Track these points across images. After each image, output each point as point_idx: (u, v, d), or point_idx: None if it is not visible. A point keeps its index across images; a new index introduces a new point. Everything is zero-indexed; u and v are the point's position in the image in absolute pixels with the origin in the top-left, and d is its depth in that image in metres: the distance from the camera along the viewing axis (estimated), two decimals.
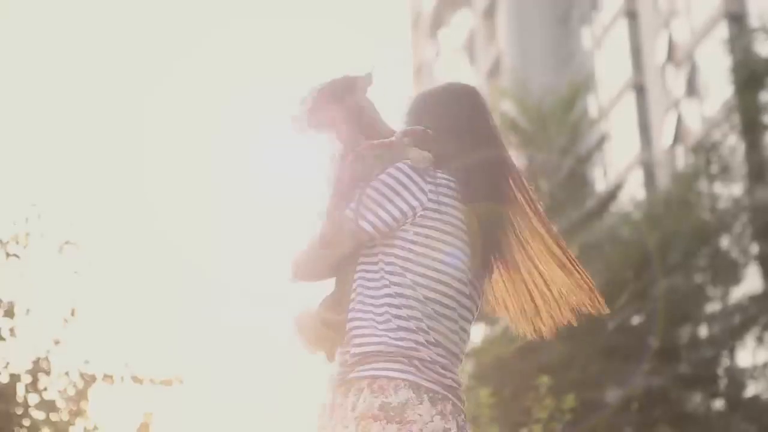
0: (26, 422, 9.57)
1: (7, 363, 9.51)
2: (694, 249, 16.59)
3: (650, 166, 26.67)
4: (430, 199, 2.59)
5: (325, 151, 2.82)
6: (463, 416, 2.58)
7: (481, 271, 2.70)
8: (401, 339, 2.52)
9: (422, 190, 2.60)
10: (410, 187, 2.60)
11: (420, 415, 2.47)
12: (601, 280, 16.00)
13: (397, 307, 2.55)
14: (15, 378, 9.45)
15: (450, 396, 2.55)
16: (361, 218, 2.60)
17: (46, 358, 9.78)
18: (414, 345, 2.52)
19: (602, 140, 20.89)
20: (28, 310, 9.47)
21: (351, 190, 2.66)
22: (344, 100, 2.79)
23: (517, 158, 19.41)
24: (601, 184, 26.25)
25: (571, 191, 18.19)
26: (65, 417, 10.07)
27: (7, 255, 9.28)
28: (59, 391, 9.97)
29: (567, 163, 18.33)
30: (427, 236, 2.59)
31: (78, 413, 10.26)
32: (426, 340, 2.54)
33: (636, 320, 16.88)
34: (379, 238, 2.61)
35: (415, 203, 2.59)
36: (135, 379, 9.94)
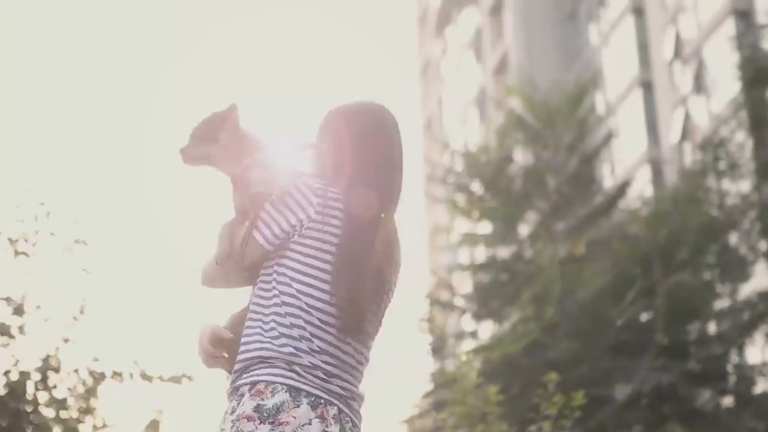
0: (36, 419, 9.60)
1: (17, 361, 9.54)
2: (702, 246, 16.55)
3: (658, 163, 26.63)
4: (317, 212, 2.68)
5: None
6: (351, 424, 2.65)
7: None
8: (283, 345, 2.61)
9: (311, 203, 2.70)
10: (299, 201, 2.70)
11: (294, 417, 2.54)
12: (609, 277, 16.10)
13: (282, 315, 2.64)
14: (25, 376, 9.48)
15: (335, 401, 2.61)
16: (256, 232, 2.72)
17: (56, 356, 9.81)
18: (294, 351, 2.61)
19: (609, 137, 20.84)
20: (38, 307, 9.50)
21: (241, 215, 2.82)
22: (218, 139, 2.89)
23: (524, 156, 19.42)
24: (608, 181, 26.22)
25: (578, 188, 18.18)
26: (75, 414, 10.10)
27: (16, 253, 9.31)
28: (69, 389, 10.00)
29: (574, 160, 18.32)
30: (312, 247, 2.68)
31: (87, 411, 10.28)
32: (309, 348, 2.62)
33: (644, 317, 16.85)
34: (272, 250, 2.72)
35: (302, 216, 2.69)
36: (144, 376, 9.98)
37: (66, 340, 9.90)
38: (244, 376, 2.64)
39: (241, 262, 2.76)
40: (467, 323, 20.38)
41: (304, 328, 2.63)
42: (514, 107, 19.43)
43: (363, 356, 2.75)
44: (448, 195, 19.50)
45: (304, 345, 2.62)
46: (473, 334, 19.32)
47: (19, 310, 9.32)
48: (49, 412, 9.77)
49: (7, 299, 9.40)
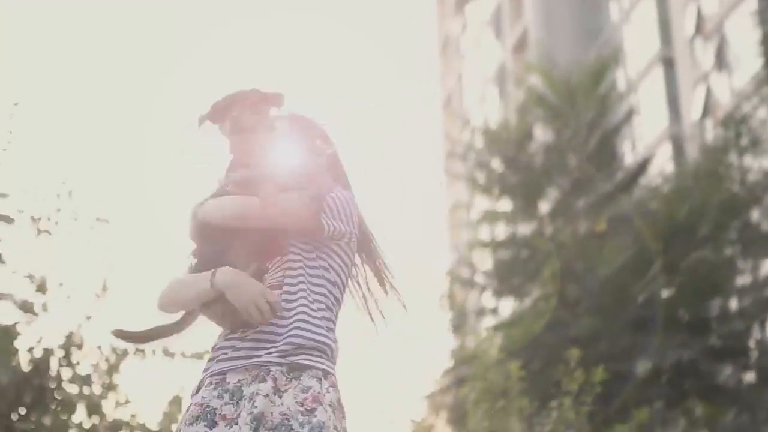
0: (60, 396, 9.68)
1: (41, 338, 9.61)
2: (723, 222, 16.47)
3: (679, 140, 26.49)
4: (351, 228, 3.01)
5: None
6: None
7: None
8: (331, 337, 2.92)
9: (349, 221, 3.00)
10: (354, 217, 3.03)
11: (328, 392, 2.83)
12: (630, 254, 16.03)
13: (328, 307, 2.93)
14: (48, 352, 9.54)
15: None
16: (330, 220, 2.94)
17: (79, 333, 9.87)
18: (334, 342, 2.93)
19: (630, 114, 20.73)
20: (60, 285, 9.55)
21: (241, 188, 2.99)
22: (268, 110, 3.05)
23: (545, 133, 19.35)
24: (629, 158, 26.10)
25: (599, 165, 18.10)
26: (98, 391, 10.17)
27: (39, 231, 9.36)
28: (92, 366, 10.07)
29: (595, 138, 18.24)
30: (349, 256, 3.03)
31: (110, 387, 10.35)
32: (335, 338, 2.95)
33: (665, 293, 16.81)
34: (325, 237, 2.96)
35: (354, 230, 3.01)
36: (166, 353, 10.03)
37: (89, 318, 9.97)
38: (305, 356, 2.85)
39: (293, 221, 2.93)
40: (488, 300, 20.37)
41: (333, 321, 2.96)
42: (534, 84, 19.35)
43: None
44: (468, 172, 19.45)
45: (334, 336, 2.94)
46: (494, 311, 19.32)
47: (41, 288, 9.38)
48: (72, 389, 9.84)
49: (30, 277, 9.46)
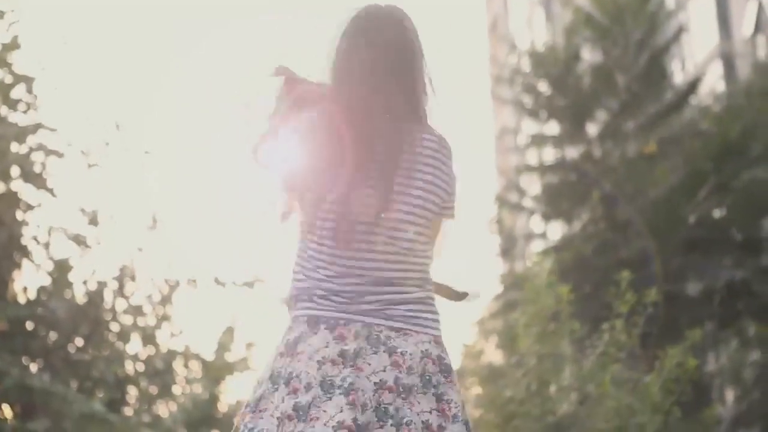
0: (115, 327, 9.86)
1: (94, 270, 9.77)
2: None
3: (730, 58, 26.04)
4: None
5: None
6: (389, 331, 2.74)
7: None
8: (301, 280, 2.79)
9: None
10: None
11: (310, 345, 2.70)
12: (681, 174, 15.89)
13: (301, 250, 2.82)
14: (102, 285, 9.71)
15: (359, 318, 2.73)
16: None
17: (131, 265, 10.02)
18: (311, 284, 2.76)
19: (680, 32, 20.31)
20: (111, 217, 9.68)
21: None
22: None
23: (593, 54, 19.09)
24: (679, 77, 25.73)
25: (648, 85, 17.86)
26: (152, 322, 10.36)
27: (89, 165, 9.46)
28: (146, 297, 10.24)
29: (644, 57, 17.97)
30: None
31: (164, 318, 10.54)
32: (325, 275, 2.76)
33: (717, 213, 16.67)
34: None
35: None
36: (218, 282, 10.17)
37: (140, 249, 10.10)
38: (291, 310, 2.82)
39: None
40: (536, 224, 20.33)
41: (317, 259, 2.76)
42: (581, 4, 19.06)
43: (400, 263, 2.78)
44: (515, 96, 19.29)
45: (320, 274, 2.75)
46: (543, 235, 19.30)
47: (93, 221, 9.51)
48: (127, 320, 10.02)
49: (82, 210, 9.59)
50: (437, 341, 2.79)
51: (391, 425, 2.63)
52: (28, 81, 8.95)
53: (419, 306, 2.79)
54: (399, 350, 2.70)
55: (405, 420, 2.64)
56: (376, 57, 2.83)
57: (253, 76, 3.04)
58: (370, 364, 2.68)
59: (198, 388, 15.58)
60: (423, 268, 2.84)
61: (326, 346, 2.68)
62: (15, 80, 8.88)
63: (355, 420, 2.58)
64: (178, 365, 11.09)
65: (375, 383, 2.66)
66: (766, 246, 16.16)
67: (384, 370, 2.68)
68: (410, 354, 2.71)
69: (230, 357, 15.94)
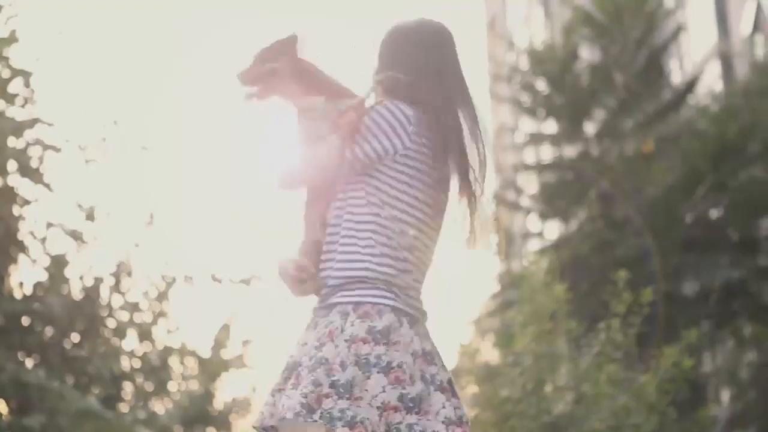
0: (111, 324, 9.85)
1: (91, 266, 9.76)
2: None
3: (728, 57, 26.03)
4: (412, 141, 2.84)
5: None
6: (431, 342, 2.88)
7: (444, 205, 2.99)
8: (383, 265, 2.79)
9: (407, 132, 2.84)
10: (397, 128, 2.84)
11: (402, 336, 2.74)
12: (678, 173, 15.88)
13: (380, 234, 2.80)
14: (99, 281, 9.70)
15: (420, 317, 2.86)
16: (357, 147, 2.83)
17: (128, 261, 10.01)
18: (393, 272, 2.79)
19: (678, 31, 20.29)
20: (108, 214, 9.67)
21: (312, 140, 2.90)
22: (279, 62, 2.96)
23: (591, 52, 19.09)
24: (677, 76, 25.73)
25: (646, 83, 17.84)
26: (148, 318, 10.34)
27: (86, 160, 9.44)
28: (142, 293, 10.23)
29: (642, 55, 17.95)
30: (406, 174, 2.85)
31: (161, 314, 10.53)
32: (404, 268, 2.82)
33: (714, 213, 16.67)
34: (370, 167, 2.85)
35: (397, 143, 2.84)
36: (214, 279, 10.15)
37: (137, 245, 10.09)
38: (342, 293, 2.78)
39: (334, 172, 2.86)
40: (534, 223, 20.32)
41: (397, 250, 2.81)
42: (580, 3, 19.05)
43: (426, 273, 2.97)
44: (513, 94, 19.28)
45: (400, 265, 2.81)
46: (540, 234, 19.29)
47: (90, 216, 9.50)
48: (123, 316, 10.01)
49: (79, 206, 9.57)
50: None
51: None
52: (25, 75, 8.94)
53: None
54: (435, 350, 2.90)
55: None
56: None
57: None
58: (436, 365, 2.82)
59: (194, 385, 15.58)
60: None
61: (412, 341, 2.76)
62: (12, 74, 8.87)
63: (453, 417, 2.73)
64: (174, 362, 11.09)
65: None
66: (763, 246, 16.16)
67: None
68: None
69: (226, 354, 15.93)
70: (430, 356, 2.80)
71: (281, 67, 2.95)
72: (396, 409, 2.64)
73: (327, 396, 2.62)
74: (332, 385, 2.63)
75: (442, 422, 2.67)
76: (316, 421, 2.60)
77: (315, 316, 2.85)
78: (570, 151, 18.59)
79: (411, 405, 2.65)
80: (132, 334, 10.21)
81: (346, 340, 2.69)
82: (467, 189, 2.96)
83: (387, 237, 2.80)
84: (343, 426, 2.59)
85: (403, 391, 2.66)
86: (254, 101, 2.98)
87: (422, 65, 2.95)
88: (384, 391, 2.64)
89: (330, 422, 2.58)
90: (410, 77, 2.92)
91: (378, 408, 2.63)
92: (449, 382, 2.82)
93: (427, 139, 2.87)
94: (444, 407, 2.70)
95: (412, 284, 2.84)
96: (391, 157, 2.84)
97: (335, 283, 2.80)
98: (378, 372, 2.65)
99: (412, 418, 2.65)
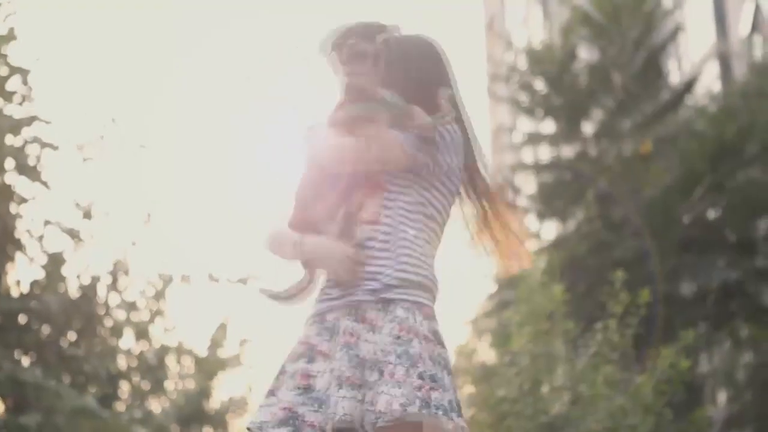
0: (108, 322, 9.83)
1: (88, 265, 9.75)
2: None
3: (726, 57, 26.03)
4: (459, 161, 3.03)
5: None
6: None
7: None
8: (433, 275, 2.97)
9: (458, 154, 3.02)
10: (458, 147, 3.02)
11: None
12: (676, 174, 15.88)
13: (429, 244, 2.98)
14: (96, 279, 9.68)
15: None
16: (438, 154, 2.95)
17: (125, 260, 10.00)
18: (436, 281, 2.98)
19: (676, 31, 20.29)
20: (106, 212, 9.66)
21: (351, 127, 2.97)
22: (376, 40, 3.07)
23: (589, 52, 19.09)
24: (675, 76, 25.73)
25: (644, 84, 17.84)
26: (145, 317, 10.33)
27: (84, 158, 9.43)
28: (139, 292, 10.22)
29: (640, 56, 17.95)
30: (450, 192, 3.03)
31: (157, 313, 10.52)
32: (432, 271, 2.99)
33: (712, 214, 16.67)
34: (425, 173, 2.96)
35: (456, 162, 3.01)
36: (211, 278, 10.14)
37: (134, 244, 10.08)
38: (400, 291, 2.88)
39: (392, 163, 2.94)
40: (531, 223, 20.32)
41: (432, 256, 3.00)
42: (578, 3, 19.04)
43: None
44: (511, 94, 19.26)
45: (432, 272, 2.98)
46: (537, 234, 19.29)
47: (88, 215, 9.48)
48: (120, 315, 10.00)
49: (76, 204, 9.56)
50: None
51: None
52: (23, 73, 8.93)
53: None
54: None
55: None
56: None
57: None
58: None
59: (190, 384, 15.57)
60: None
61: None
62: (10, 72, 8.85)
63: None
64: (170, 361, 11.08)
65: None
66: (760, 247, 16.16)
67: None
68: None
69: (223, 353, 15.92)
70: None
71: (381, 52, 3.04)
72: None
73: (433, 389, 2.73)
74: (433, 378, 2.75)
75: None
76: (436, 413, 2.70)
77: (357, 308, 2.90)
78: (568, 151, 18.59)
79: (459, 408, 2.81)
80: (129, 333, 10.21)
81: (424, 337, 2.84)
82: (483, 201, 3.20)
83: (434, 248, 3.01)
84: (458, 417, 2.75)
85: (456, 395, 2.82)
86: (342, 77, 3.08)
87: (452, 82, 3.14)
88: (455, 392, 2.81)
89: (447, 413, 2.72)
90: (454, 94, 3.10)
91: (459, 411, 2.80)
92: None
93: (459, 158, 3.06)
94: None
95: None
96: (444, 174, 2.99)
97: (393, 282, 2.89)
98: (447, 374, 2.82)
99: (462, 421, 2.78)
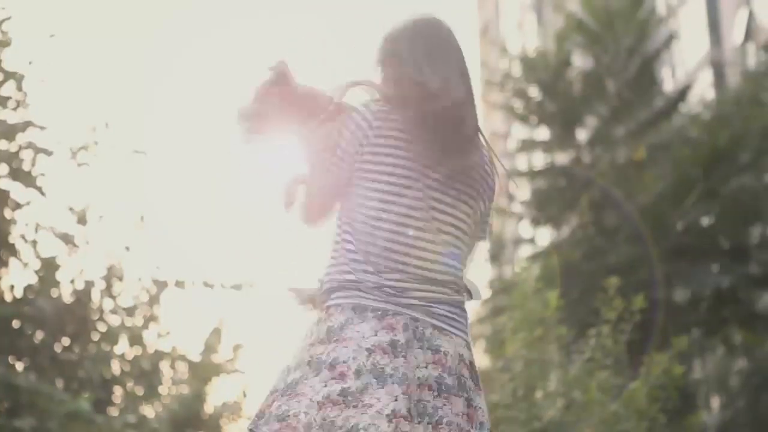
0: (102, 327, 9.82)
1: (82, 270, 9.73)
2: (765, 149, 16.26)
3: (720, 65, 26.12)
4: (375, 135, 2.78)
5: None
6: (432, 329, 2.75)
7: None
8: (346, 273, 2.75)
9: (370, 126, 2.77)
10: (357, 125, 2.78)
11: (357, 331, 2.67)
12: (669, 181, 15.95)
13: (346, 242, 2.77)
14: (90, 284, 9.67)
15: (406, 311, 2.71)
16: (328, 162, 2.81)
17: (119, 265, 9.99)
18: (358, 277, 2.73)
19: (670, 39, 20.37)
20: (100, 217, 9.64)
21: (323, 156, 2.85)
22: (270, 102, 2.95)
23: (584, 60, 19.13)
24: (669, 84, 25.80)
25: (638, 91, 17.90)
26: (139, 322, 10.32)
27: (78, 164, 9.42)
28: (133, 297, 10.20)
29: (635, 63, 18.02)
30: (368, 171, 2.78)
31: (152, 318, 10.50)
32: (375, 269, 2.73)
33: (705, 221, 16.72)
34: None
35: (361, 136, 2.79)
36: (206, 284, 10.12)
37: (128, 249, 10.07)
38: (323, 304, 2.79)
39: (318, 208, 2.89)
40: (525, 229, 20.35)
41: (367, 252, 2.75)
42: (572, 10, 19.10)
43: (448, 265, 2.83)
44: (505, 100, 19.32)
45: (369, 267, 2.74)
46: (531, 241, 19.32)
47: (82, 220, 9.48)
48: (114, 320, 9.98)
49: (70, 209, 9.55)
50: (469, 347, 2.83)
51: (427, 423, 2.64)
52: (17, 78, 8.92)
53: (457, 309, 2.84)
54: (441, 350, 2.72)
55: (445, 420, 2.65)
56: None
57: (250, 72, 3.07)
58: (415, 358, 2.69)
59: (184, 389, 15.55)
60: (461, 273, 2.91)
61: (375, 335, 2.67)
62: (5, 77, 8.84)
63: (408, 410, 2.59)
64: (164, 366, 11.05)
65: (418, 378, 2.67)
66: (753, 253, 16.21)
67: (426, 367, 2.70)
68: (451, 355, 2.73)
69: (217, 358, 15.90)
70: (401, 348, 2.68)
71: (275, 98, 2.94)
72: (335, 403, 2.60)
73: (272, 399, 2.70)
74: (276, 388, 2.71)
75: (387, 416, 2.56)
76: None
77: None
78: (562, 157, 18.63)
79: (350, 398, 2.60)
80: (123, 338, 10.19)
81: (305, 342, 2.77)
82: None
83: (351, 242, 2.79)
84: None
85: (345, 386, 2.61)
86: (253, 136, 2.97)
87: (408, 65, 2.92)
88: (326, 386, 2.62)
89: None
90: (395, 72, 2.95)
91: (318, 403, 2.61)
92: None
93: (399, 131, 2.90)
94: (396, 400, 2.58)
95: (393, 282, 2.73)
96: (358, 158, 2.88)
97: (319, 297, 2.86)
98: (325, 369, 2.65)
99: (347, 412, 2.59)
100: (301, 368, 2.67)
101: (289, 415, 2.60)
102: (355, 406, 2.58)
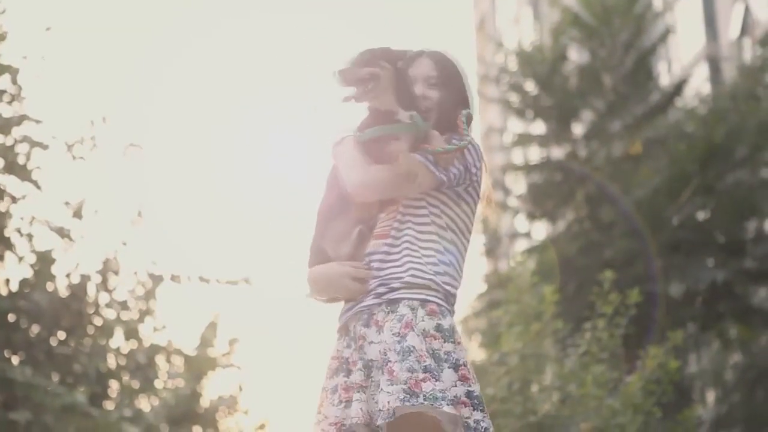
0: (98, 321, 9.81)
1: (77, 264, 9.72)
2: (761, 143, 16.25)
3: (716, 60, 26.11)
4: (475, 174, 3.19)
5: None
6: None
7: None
8: (442, 279, 3.07)
9: (477, 167, 3.19)
10: (474, 159, 3.19)
11: (461, 338, 3.06)
12: (665, 175, 15.95)
13: (441, 252, 3.09)
14: (85, 278, 9.66)
15: None
16: (439, 169, 3.07)
17: (115, 259, 9.98)
18: (450, 285, 3.09)
19: (667, 34, 20.31)
20: (96, 211, 9.64)
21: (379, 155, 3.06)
22: (396, 64, 3.10)
23: (580, 54, 19.13)
24: (665, 78, 25.79)
25: (634, 86, 17.89)
26: (135, 316, 10.31)
27: (74, 157, 9.41)
28: (129, 291, 10.20)
29: (631, 58, 18.00)
30: (466, 202, 3.20)
31: (147, 312, 10.50)
32: (454, 284, 3.12)
33: (701, 215, 16.72)
34: (442, 188, 3.12)
35: (473, 171, 3.18)
36: (202, 278, 10.12)
37: (124, 243, 10.06)
38: (404, 291, 3.01)
39: (412, 187, 3.06)
40: (521, 223, 20.34)
41: (447, 264, 3.10)
42: (569, 4, 19.08)
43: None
44: (501, 95, 19.30)
45: (456, 283, 3.12)
46: (527, 235, 19.32)
47: (78, 214, 9.47)
48: (110, 314, 9.98)
49: (66, 203, 9.55)
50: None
51: None
52: (12, 72, 8.90)
53: None
54: None
55: None
56: None
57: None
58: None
59: (180, 383, 15.56)
60: None
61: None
62: (0, 71, 8.83)
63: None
64: (160, 360, 11.06)
65: None
66: (749, 248, 16.22)
67: None
68: None
69: (213, 352, 15.92)
70: None
71: (384, 74, 3.04)
72: (465, 405, 2.86)
73: (424, 380, 2.81)
74: (426, 369, 2.83)
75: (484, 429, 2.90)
76: (422, 403, 2.78)
77: (369, 313, 3.02)
78: (558, 152, 18.63)
79: (476, 402, 2.88)
80: (119, 332, 10.18)
81: (423, 331, 2.93)
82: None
83: (449, 253, 3.11)
84: (447, 405, 2.81)
85: (470, 389, 2.90)
86: (351, 102, 3.08)
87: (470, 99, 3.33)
88: (455, 386, 2.87)
89: (434, 402, 2.79)
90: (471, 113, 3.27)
91: (450, 401, 2.82)
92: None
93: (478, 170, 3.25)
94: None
95: (456, 292, 3.14)
96: (464, 185, 3.17)
97: (397, 285, 3.02)
98: (449, 367, 2.88)
99: (476, 415, 2.87)
100: (428, 359, 2.88)
101: (458, 402, 2.88)
102: (482, 411, 2.92)
